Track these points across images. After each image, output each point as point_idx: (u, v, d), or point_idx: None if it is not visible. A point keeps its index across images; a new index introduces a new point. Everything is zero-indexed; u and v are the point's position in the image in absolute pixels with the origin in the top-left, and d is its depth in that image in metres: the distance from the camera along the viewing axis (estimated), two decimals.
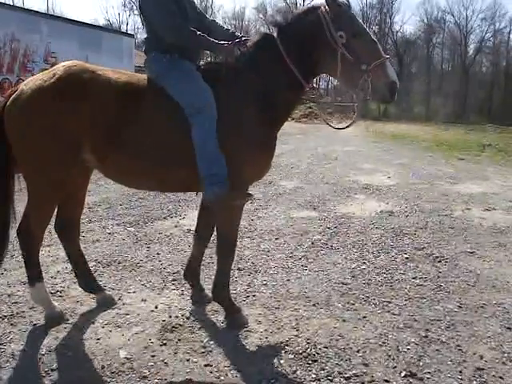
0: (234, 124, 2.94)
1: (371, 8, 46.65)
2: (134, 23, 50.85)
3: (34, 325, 3.20)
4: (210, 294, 3.43)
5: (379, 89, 2.84)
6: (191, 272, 3.61)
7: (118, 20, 51.28)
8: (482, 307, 3.65)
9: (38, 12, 12.59)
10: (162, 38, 2.99)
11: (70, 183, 3.08)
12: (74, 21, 12.09)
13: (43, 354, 2.88)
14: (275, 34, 3.03)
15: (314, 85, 3.25)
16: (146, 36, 3.21)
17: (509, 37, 43.07)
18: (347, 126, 3.17)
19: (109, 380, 2.65)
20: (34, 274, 3.18)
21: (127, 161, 2.95)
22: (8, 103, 2.94)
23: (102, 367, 2.76)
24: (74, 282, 3.79)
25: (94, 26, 13.25)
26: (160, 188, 3.51)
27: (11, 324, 3.20)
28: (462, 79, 40.13)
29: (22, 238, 3.13)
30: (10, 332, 3.10)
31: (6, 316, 3.29)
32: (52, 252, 4.49)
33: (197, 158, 2.88)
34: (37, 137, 2.85)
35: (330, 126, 3.37)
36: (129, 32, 28.68)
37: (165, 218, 5.90)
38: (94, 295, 3.53)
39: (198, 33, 2.96)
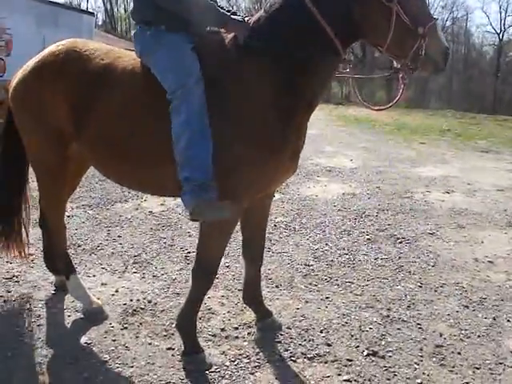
0: (235, 113, 2.34)
1: None
2: (94, 1, 49.17)
3: None
4: (278, 320, 3.04)
5: (433, 57, 2.26)
6: (248, 294, 3.04)
7: None
8: (441, 287, 3.72)
9: None
10: (147, 7, 2.45)
11: (66, 170, 2.90)
12: None
13: None
14: None
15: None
16: (132, 7, 2.65)
17: (466, 24, 43.98)
18: (390, 106, 2.59)
19: (69, 366, 2.58)
20: (64, 266, 3.11)
21: (103, 153, 2.63)
22: (13, 80, 2.88)
23: (62, 353, 2.69)
24: (31, 267, 3.68)
25: (52, 2, 12.64)
26: (141, 189, 3.03)
27: None
28: None
29: (44, 231, 3.15)
30: None
31: None
32: None
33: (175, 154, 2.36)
34: (25, 120, 2.79)
35: (369, 107, 2.66)
36: (89, 10, 27.66)
37: (126, 200, 5.78)
38: (52, 280, 3.43)
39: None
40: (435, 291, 3.64)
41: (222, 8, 2.55)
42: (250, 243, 2.88)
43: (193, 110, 2.27)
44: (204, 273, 2.56)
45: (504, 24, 42.60)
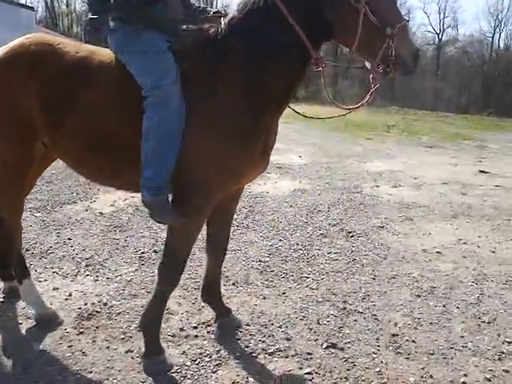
0: (203, 111, 2.33)
1: None
2: None
3: None
4: (237, 318, 3.04)
5: (403, 58, 2.26)
6: (208, 292, 3.02)
7: None
8: (393, 278, 3.83)
9: None
10: (124, 5, 2.37)
11: (29, 169, 2.76)
12: None
13: None
14: None
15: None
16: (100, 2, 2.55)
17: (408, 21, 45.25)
18: (358, 106, 2.56)
19: (22, 376, 2.48)
20: (19, 270, 2.98)
21: (75, 148, 2.55)
22: None
23: (14, 363, 2.58)
24: None
25: None
26: (110, 185, 2.89)
27: None
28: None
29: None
30: None
31: None
32: None
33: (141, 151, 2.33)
34: None
35: (339, 107, 2.58)
36: (28, 4, 26.53)
37: (74, 201, 5.61)
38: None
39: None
40: (388, 282, 3.75)
41: (194, 5, 2.55)
42: (215, 239, 2.87)
43: (168, 111, 2.25)
44: (170, 271, 2.53)
45: (443, 24, 44.30)
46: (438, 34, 44.25)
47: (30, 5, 29.05)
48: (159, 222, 2.56)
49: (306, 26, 2.26)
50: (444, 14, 45.47)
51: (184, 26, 2.42)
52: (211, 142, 2.31)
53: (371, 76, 2.35)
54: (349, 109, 2.61)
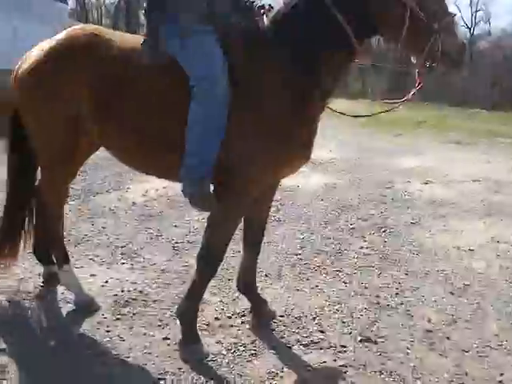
0: (249, 104, 2.35)
1: None
2: None
3: None
4: (272, 309, 3.04)
5: (449, 53, 2.26)
6: (243, 283, 3.04)
7: None
8: (426, 274, 3.81)
9: None
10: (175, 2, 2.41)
11: (76, 156, 2.84)
12: None
13: None
14: None
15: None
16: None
17: None
18: (402, 102, 2.60)
19: (62, 359, 2.54)
20: (60, 254, 3.06)
21: (119, 138, 2.60)
22: (16, 68, 2.77)
23: (54, 346, 2.66)
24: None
25: None
26: (150, 173, 2.88)
27: None
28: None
29: (41, 218, 3.05)
30: None
31: None
32: None
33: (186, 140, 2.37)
34: (39, 105, 2.66)
35: (385, 102, 2.61)
36: None
37: (107, 191, 5.71)
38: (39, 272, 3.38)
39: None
40: (420, 279, 3.73)
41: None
42: (252, 229, 2.90)
43: (214, 102, 2.29)
44: (209, 260, 2.59)
45: (475, 18, 43.36)
46: (470, 29, 43.34)
47: None
48: (199, 211, 2.59)
49: (352, 21, 2.29)
50: (476, 7, 44.48)
51: (232, 20, 2.44)
52: (254, 137, 2.36)
53: (417, 71, 2.36)
54: (394, 103, 2.67)
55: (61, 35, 2.71)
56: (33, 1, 11.40)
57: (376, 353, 2.72)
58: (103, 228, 4.44)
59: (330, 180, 6.80)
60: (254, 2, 2.52)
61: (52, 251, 3.13)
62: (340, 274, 3.72)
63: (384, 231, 4.75)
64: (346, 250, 4.22)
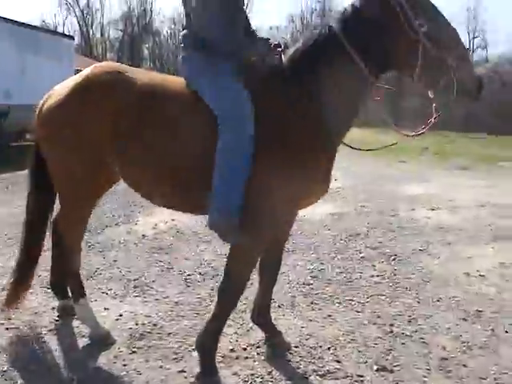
0: (273, 141, 2.42)
1: None
2: (70, 25, 49.25)
3: None
4: (287, 339, 3.05)
5: (466, 86, 2.32)
6: (258, 314, 3.06)
7: (53, 21, 49.60)
8: (438, 301, 3.81)
9: None
10: (202, 37, 2.53)
11: (98, 191, 2.94)
12: (8, 19, 10.93)
13: (5, 371, 2.73)
14: (336, 27, 2.43)
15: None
16: (184, 32, 2.71)
17: None
18: (421, 132, 2.62)
19: None
20: (77, 288, 3.09)
21: (143, 173, 2.65)
22: (40, 104, 2.86)
23: (70, 380, 2.67)
24: (30, 293, 3.64)
25: (32, 25, 12.51)
26: (172, 207, 2.89)
27: None
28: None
29: (58, 251, 3.13)
30: None
31: None
32: (2, 263, 4.28)
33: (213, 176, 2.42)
34: (62, 143, 2.73)
35: (401, 133, 2.70)
36: (68, 34, 27.36)
37: (117, 224, 5.78)
38: (53, 305, 3.40)
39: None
40: (433, 306, 3.73)
41: (262, 38, 2.68)
42: (268, 262, 2.93)
43: (243, 139, 2.37)
44: (230, 294, 2.62)
45: (473, 45, 44.06)
46: None
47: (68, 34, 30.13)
48: (226, 242, 2.63)
49: (367, 59, 2.39)
50: (473, 34, 45.25)
51: (250, 55, 2.55)
52: (279, 172, 2.39)
53: (433, 105, 2.44)
54: (409, 135, 2.70)
55: (85, 72, 2.79)
56: (41, 36, 11.70)
57: (392, 382, 2.71)
58: (114, 261, 4.48)
59: (336, 209, 6.84)
60: (268, 39, 2.62)
61: (68, 285, 3.16)
62: (352, 302, 3.73)
63: (393, 259, 4.77)
64: (356, 278, 4.23)
